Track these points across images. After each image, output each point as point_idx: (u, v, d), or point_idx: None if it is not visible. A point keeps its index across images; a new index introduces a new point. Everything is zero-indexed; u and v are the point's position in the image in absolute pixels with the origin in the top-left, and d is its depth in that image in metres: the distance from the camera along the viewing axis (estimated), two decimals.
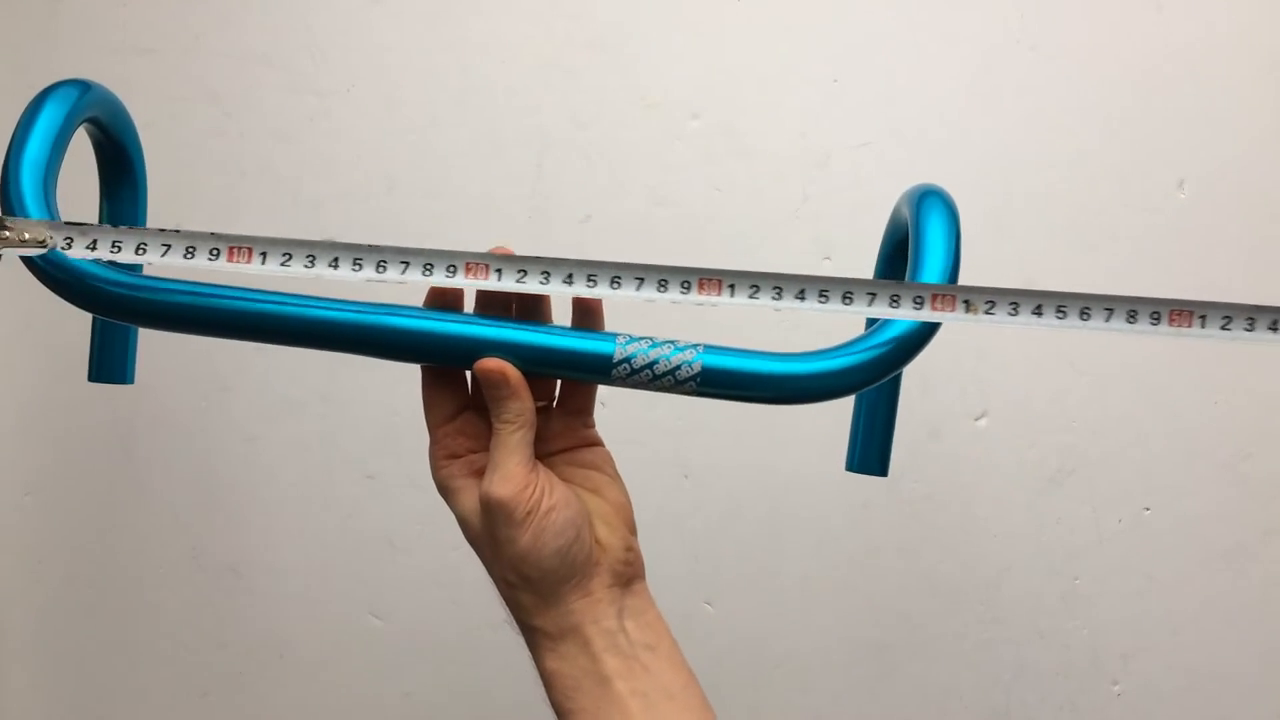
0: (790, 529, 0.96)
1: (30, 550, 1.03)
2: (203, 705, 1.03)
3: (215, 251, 0.48)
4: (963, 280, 0.94)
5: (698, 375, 0.49)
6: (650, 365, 0.49)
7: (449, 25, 0.97)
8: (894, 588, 0.97)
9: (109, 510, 1.02)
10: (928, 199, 0.56)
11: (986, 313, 0.48)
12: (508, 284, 0.48)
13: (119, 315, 0.51)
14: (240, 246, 0.47)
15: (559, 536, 0.48)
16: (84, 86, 0.58)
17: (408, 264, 0.48)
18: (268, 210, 0.98)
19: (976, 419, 0.95)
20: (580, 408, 0.54)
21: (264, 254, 0.48)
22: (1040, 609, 0.96)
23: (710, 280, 0.48)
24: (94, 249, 0.47)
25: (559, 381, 0.54)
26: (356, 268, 0.48)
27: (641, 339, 0.49)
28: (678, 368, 0.49)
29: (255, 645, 1.02)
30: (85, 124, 0.61)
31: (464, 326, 0.50)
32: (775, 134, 0.95)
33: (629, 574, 0.52)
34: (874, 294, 0.48)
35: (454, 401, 0.52)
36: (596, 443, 0.55)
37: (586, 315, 0.52)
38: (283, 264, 0.47)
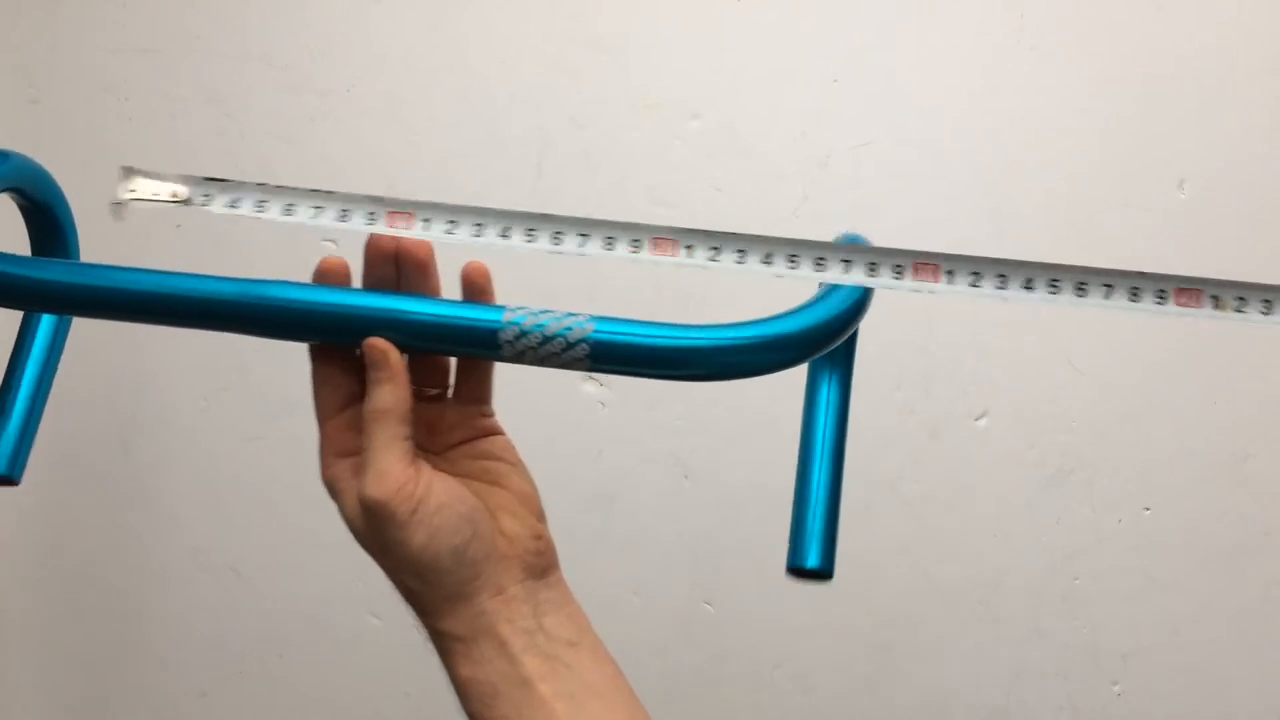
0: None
1: (30, 550, 1.03)
2: (203, 705, 1.03)
3: (372, 215, 0.43)
4: None
5: (589, 347, 0.45)
6: (540, 338, 0.45)
7: (449, 25, 0.97)
8: (894, 588, 0.97)
9: (109, 510, 1.02)
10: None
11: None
12: (700, 261, 0.44)
13: None
14: (399, 211, 0.43)
15: (455, 534, 0.45)
16: (1, 157, 0.55)
17: (587, 235, 0.45)
18: None
19: (976, 419, 0.95)
20: (476, 396, 0.50)
21: (426, 219, 0.44)
22: (1040, 609, 0.96)
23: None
24: (235, 206, 0.44)
25: (453, 370, 0.50)
26: (530, 238, 0.44)
27: (533, 310, 0.46)
28: (569, 339, 0.45)
29: (255, 645, 1.02)
30: (9, 193, 0.59)
31: (341, 296, 0.46)
32: (775, 134, 0.95)
33: (541, 564, 0.48)
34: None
35: (342, 391, 0.48)
36: (496, 431, 0.51)
37: (477, 293, 0.49)
38: (447, 231, 0.43)
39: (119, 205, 0.44)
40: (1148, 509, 0.95)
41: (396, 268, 0.47)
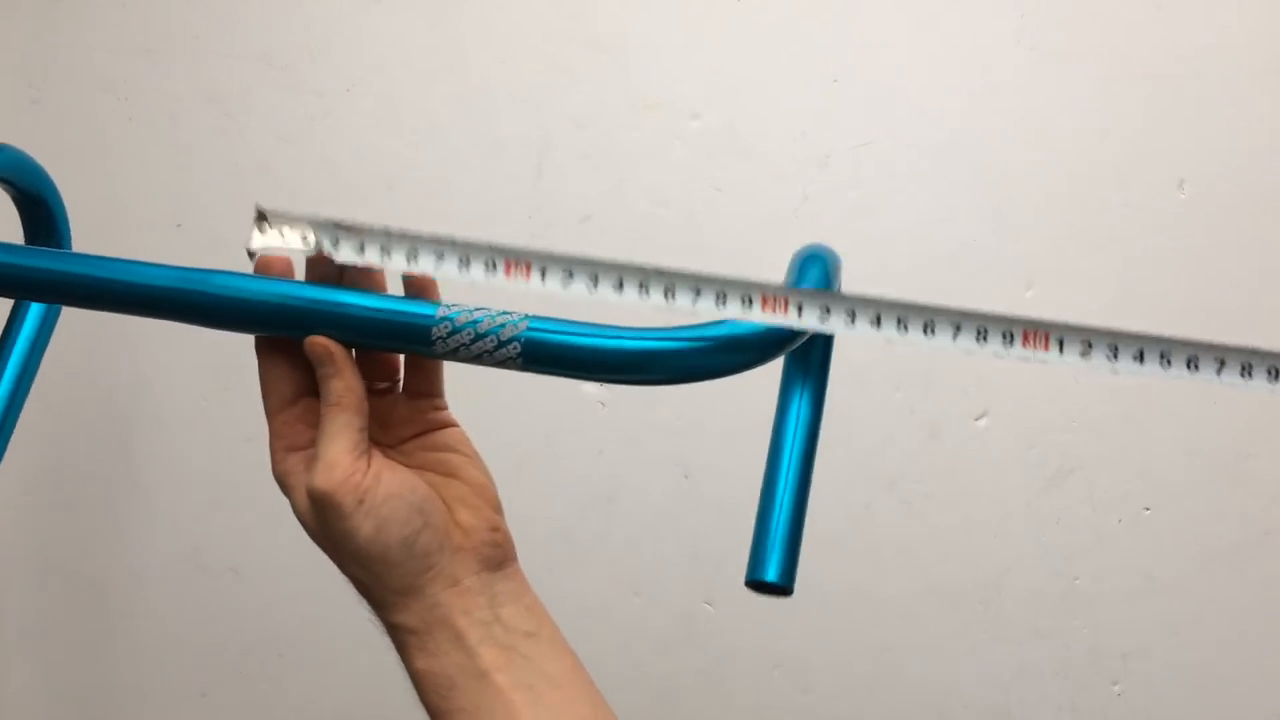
0: None
1: (30, 550, 1.03)
2: (203, 705, 1.03)
3: (492, 264, 0.44)
4: (960, 281, 0.94)
5: (520, 346, 0.45)
6: (473, 335, 0.45)
7: (449, 25, 0.97)
8: (894, 588, 0.97)
9: (109, 510, 1.02)
10: (809, 253, 0.53)
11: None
12: (809, 323, 0.43)
13: None
14: (519, 261, 0.43)
15: (404, 525, 0.45)
16: None
17: (699, 291, 0.44)
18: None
19: (976, 419, 0.95)
20: (427, 390, 0.50)
21: (543, 269, 0.43)
22: (1040, 609, 0.96)
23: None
24: (361, 251, 0.44)
25: (401, 362, 0.50)
26: (644, 292, 0.43)
27: (469, 308, 0.46)
28: (500, 338, 0.45)
29: (255, 645, 1.02)
30: (1, 185, 0.59)
31: (278, 287, 0.46)
32: (775, 134, 0.95)
33: (498, 556, 0.48)
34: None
35: (290, 383, 0.47)
36: (449, 424, 0.51)
37: (418, 293, 0.49)
38: (564, 284, 0.43)
39: (253, 251, 0.45)
40: (1148, 509, 0.95)
41: (340, 268, 0.47)
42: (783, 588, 0.48)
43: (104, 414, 1.01)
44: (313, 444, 0.47)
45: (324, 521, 0.45)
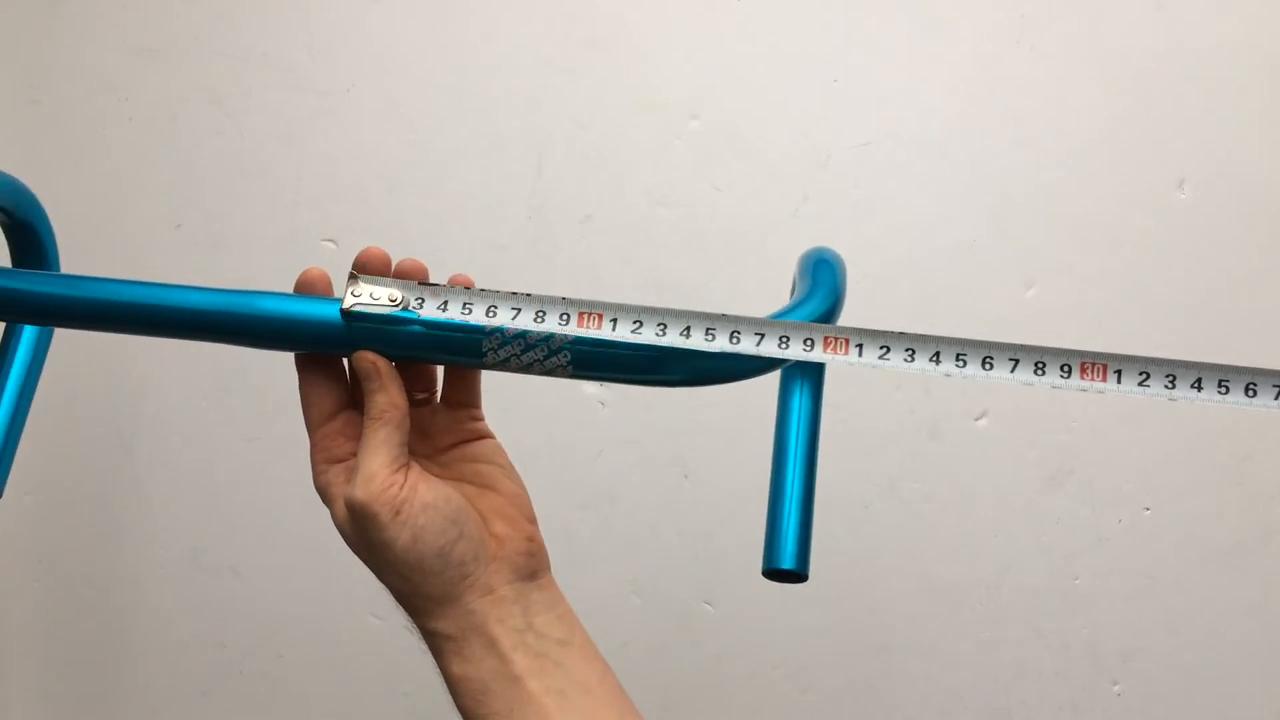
0: None
1: (30, 550, 1.03)
2: (203, 705, 1.03)
3: (565, 316, 0.46)
4: (962, 282, 0.94)
5: (569, 353, 0.46)
6: (523, 346, 0.46)
7: (449, 25, 0.97)
8: (894, 588, 0.97)
9: (109, 510, 1.02)
10: (819, 258, 0.54)
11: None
12: (869, 360, 0.45)
13: None
14: (590, 312, 0.46)
15: (440, 536, 0.46)
16: None
17: (762, 335, 0.45)
18: (268, 210, 0.98)
19: (976, 419, 0.95)
20: (465, 400, 0.51)
21: (614, 320, 0.46)
22: (1040, 609, 0.96)
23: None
24: (444, 309, 0.46)
25: (440, 374, 0.51)
26: (709, 338, 0.45)
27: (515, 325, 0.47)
28: (551, 347, 0.46)
29: (255, 645, 1.02)
30: None
31: (324, 306, 0.47)
32: (775, 134, 0.95)
33: (532, 566, 0.49)
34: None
35: (331, 398, 0.49)
36: (486, 435, 0.52)
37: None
38: (633, 331, 0.45)
39: (347, 311, 0.46)
40: (1148, 509, 0.95)
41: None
42: (798, 574, 0.50)
43: (105, 415, 1.01)
44: (353, 456, 0.48)
45: (362, 531, 0.47)
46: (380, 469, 0.45)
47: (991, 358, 0.46)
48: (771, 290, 0.48)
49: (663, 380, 0.48)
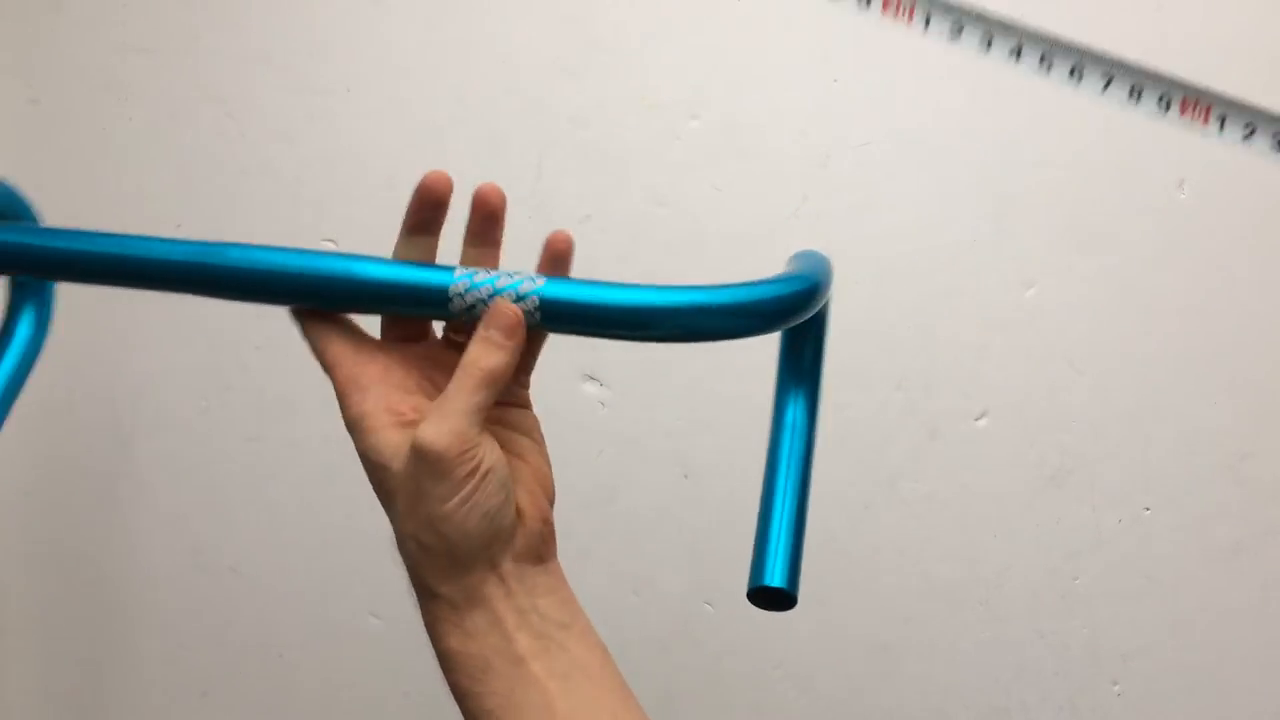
0: None
1: (30, 550, 1.03)
2: (203, 705, 1.03)
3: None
4: (961, 282, 0.94)
5: (538, 304, 0.45)
6: (489, 292, 0.45)
7: (449, 25, 0.97)
8: (894, 588, 0.97)
9: (109, 510, 1.02)
10: (805, 254, 0.54)
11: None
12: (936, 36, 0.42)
13: None
14: None
15: (491, 498, 0.44)
16: None
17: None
18: (268, 210, 0.98)
19: (976, 419, 0.95)
20: (522, 364, 0.48)
21: None
22: (1040, 609, 0.96)
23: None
24: None
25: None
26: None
27: (486, 269, 0.46)
28: (518, 293, 0.45)
29: (255, 645, 1.02)
30: None
31: (297, 256, 0.46)
32: (775, 134, 0.95)
33: (543, 550, 0.47)
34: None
35: (341, 332, 0.48)
36: (527, 404, 0.51)
37: (556, 263, 0.49)
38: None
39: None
40: (1148, 509, 0.95)
41: (439, 214, 0.48)
42: (787, 595, 0.48)
43: (104, 414, 1.01)
44: (385, 381, 0.46)
45: (418, 476, 0.44)
46: (469, 427, 0.44)
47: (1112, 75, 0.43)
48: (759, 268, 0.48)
49: (638, 335, 0.46)
